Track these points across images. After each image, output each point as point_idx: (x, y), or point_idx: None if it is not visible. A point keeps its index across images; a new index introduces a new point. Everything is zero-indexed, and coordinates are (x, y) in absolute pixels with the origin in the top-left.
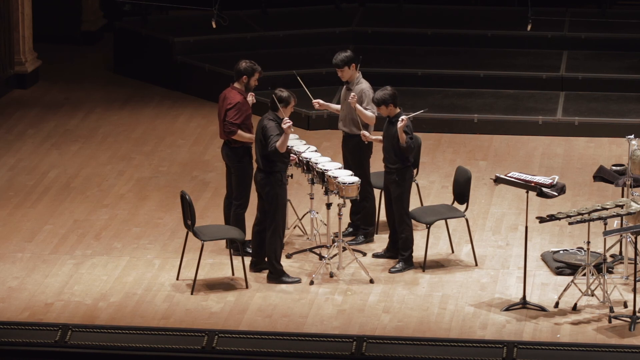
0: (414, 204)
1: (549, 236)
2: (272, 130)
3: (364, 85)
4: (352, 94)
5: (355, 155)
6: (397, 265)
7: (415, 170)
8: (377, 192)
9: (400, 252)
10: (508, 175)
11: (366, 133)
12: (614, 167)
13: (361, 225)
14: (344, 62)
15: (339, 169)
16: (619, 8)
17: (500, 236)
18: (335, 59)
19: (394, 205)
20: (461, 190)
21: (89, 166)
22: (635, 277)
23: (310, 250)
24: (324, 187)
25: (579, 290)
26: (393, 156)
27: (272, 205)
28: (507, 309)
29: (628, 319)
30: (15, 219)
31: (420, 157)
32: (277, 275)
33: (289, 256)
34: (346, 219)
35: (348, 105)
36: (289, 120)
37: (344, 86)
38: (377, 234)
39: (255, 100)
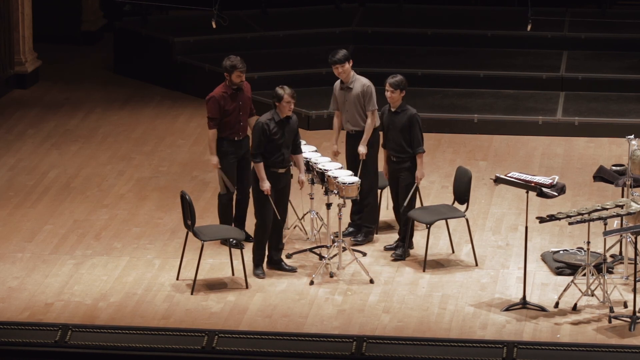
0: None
1: (549, 236)
2: (256, 135)
3: (365, 80)
4: (361, 150)
5: (370, 151)
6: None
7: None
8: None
9: (400, 241)
10: (508, 175)
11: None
12: (614, 167)
13: (364, 223)
14: (345, 57)
15: (339, 169)
16: (619, 8)
17: (500, 236)
18: (336, 56)
19: (403, 192)
20: (461, 190)
21: (89, 166)
22: (635, 277)
23: (310, 250)
24: (324, 187)
25: (579, 290)
26: (403, 146)
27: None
28: (507, 309)
29: (628, 319)
30: (15, 219)
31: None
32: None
33: (289, 256)
34: (346, 219)
35: (352, 105)
36: (267, 186)
37: (339, 89)
38: (377, 233)
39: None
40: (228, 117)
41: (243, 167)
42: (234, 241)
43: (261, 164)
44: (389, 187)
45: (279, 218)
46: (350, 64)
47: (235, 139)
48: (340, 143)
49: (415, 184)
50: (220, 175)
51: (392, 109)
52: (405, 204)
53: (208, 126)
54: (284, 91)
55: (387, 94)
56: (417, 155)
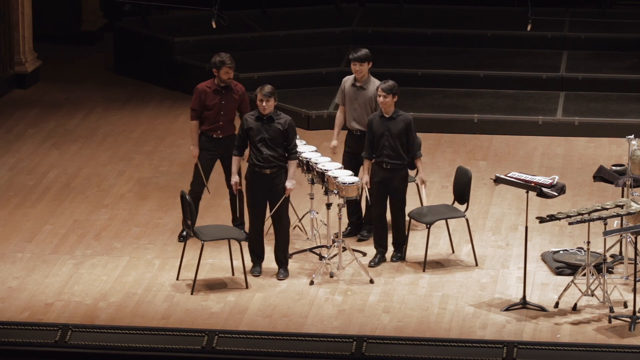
0: (414, 204)
1: (549, 236)
2: (239, 129)
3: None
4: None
5: None
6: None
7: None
8: None
9: (399, 245)
10: (508, 175)
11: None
12: (614, 167)
13: (369, 220)
14: (367, 56)
15: (339, 169)
16: (619, 8)
17: (500, 236)
18: (359, 53)
19: (398, 199)
20: (461, 190)
21: (89, 166)
22: (635, 277)
23: (310, 250)
24: (324, 187)
25: (579, 290)
26: (400, 152)
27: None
28: (507, 309)
29: (628, 319)
30: (15, 219)
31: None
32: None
33: (289, 256)
34: (345, 219)
35: (363, 105)
36: (234, 180)
37: (350, 85)
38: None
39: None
40: (208, 112)
41: (227, 166)
42: (182, 238)
43: (236, 158)
44: (370, 197)
45: (237, 215)
46: (370, 66)
47: (214, 136)
48: (340, 142)
49: (421, 185)
50: (199, 169)
51: (386, 115)
52: (393, 208)
53: (190, 117)
54: (259, 90)
55: (380, 99)
56: (416, 159)
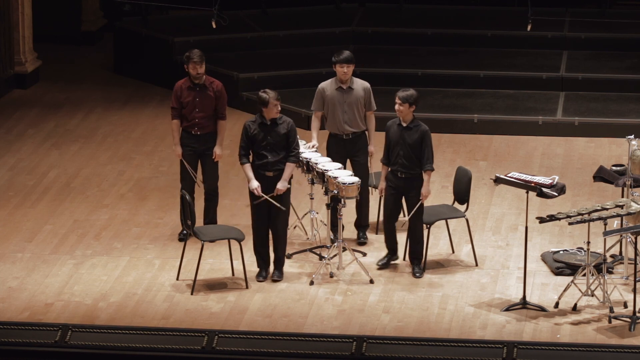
0: None
1: (549, 236)
2: (241, 136)
3: (364, 81)
4: (372, 150)
5: (365, 152)
6: (417, 270)
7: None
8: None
9: (417, 256)
10: (508, 175)
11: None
12: (614, 167)
13: (363, 222)
14: (353, 57)
15: (339, 169)
16: (619, 8)
17: (500, 236)
18: (345, 55)
19: (416, 210)
20: (461, 190)
21: (89, 166)
22: (635, 277)
23: (310, 250)
24: (324, 187)
25: (579, 290)
26: (415, 162)
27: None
28: (507, 309)
29: (628, 319)
30: (15, 219)
31: None
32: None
33: (288, 256)
34: (347, 219)
35: (353, 106)
36: (254, 186)
37: (333, 89)
38: (377, 233)
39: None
40: (184, 109)
41: (204, 163)
42: (182, 237)
43: (246, 165)
44: (383, 202)
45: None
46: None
47: (192, 132)
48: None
49: (420, 201)
50: (185, 165)
51: (403, 124)
52: (409, 216)
53: (171, 116)
54: (269, 95)
55: (396, 106)
56: (425, 172)
